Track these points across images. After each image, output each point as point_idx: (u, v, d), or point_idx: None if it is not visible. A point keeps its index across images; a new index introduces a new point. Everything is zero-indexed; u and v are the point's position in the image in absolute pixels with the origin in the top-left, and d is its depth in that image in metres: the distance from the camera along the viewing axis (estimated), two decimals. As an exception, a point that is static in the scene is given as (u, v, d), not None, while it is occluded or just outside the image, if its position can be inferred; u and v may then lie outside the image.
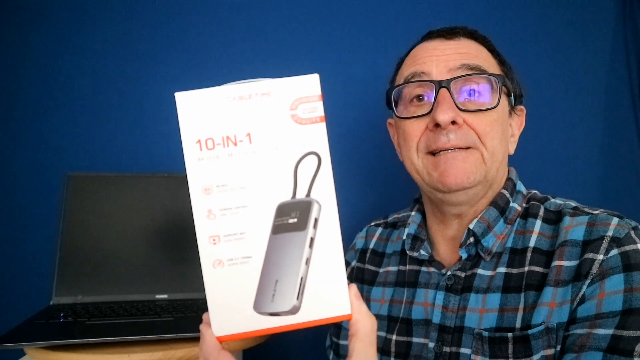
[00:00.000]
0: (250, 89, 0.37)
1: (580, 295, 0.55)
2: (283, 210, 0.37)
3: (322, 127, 0.37)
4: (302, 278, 0.37)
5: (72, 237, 0.89)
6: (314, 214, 0.37)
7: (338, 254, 0.37)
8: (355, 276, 0.79)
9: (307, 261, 0.37)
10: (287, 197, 0.37)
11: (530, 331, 0.57)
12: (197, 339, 0.70)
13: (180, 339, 0.70)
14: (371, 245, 0.79)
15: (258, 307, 0.37)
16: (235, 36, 1.04)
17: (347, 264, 0.80)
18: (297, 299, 0.36)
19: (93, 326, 0.74)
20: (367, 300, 0.75)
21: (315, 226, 0.37)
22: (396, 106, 0.69)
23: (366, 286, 0.76)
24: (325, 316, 0.37)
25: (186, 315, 0.78)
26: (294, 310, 0.36)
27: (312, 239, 0.37)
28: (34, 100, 1.00)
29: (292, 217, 0.37)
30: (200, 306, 0.83)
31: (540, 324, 0.57)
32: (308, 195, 0.37)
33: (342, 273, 0.37)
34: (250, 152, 0.37)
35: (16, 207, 0.98)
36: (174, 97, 0.36)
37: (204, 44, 1.03)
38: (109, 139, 1.01)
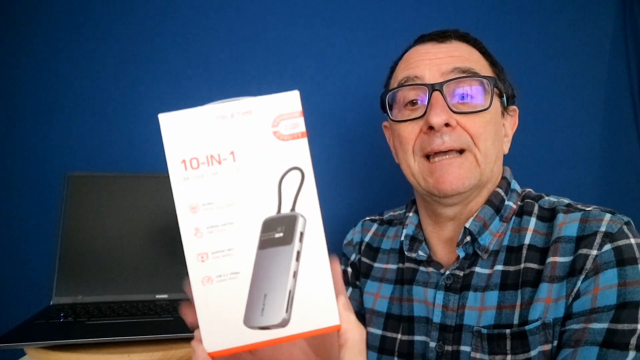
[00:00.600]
0: (232, 108, 0.37)
1: (575, 290, 0.56)
2: (269, 226, 0.37)
3: (304, 142, 0.37)
4: (290, 291, 0.37)
5: (72, 237, 0.89)
6: (299, 228, 0.37)
7: (324, 265, 0.37)
8: (357, 270, 0.79)
9: (295, 274, 0.37)
10: (272, 212, 0.37)
11: (527, 327, 0.58)
12: (197, 339, 0.71)
13: (180, 339, 0.71)
14: (366, 239, 0.80)
15: (248, 321, 0.37)
16: (232, 38, 1.04)
17: (346, 259, 0.81)
18: (287, 311, 0.37)
19: (93, 326, 0.74)
20: (361, 292, 0.76)
21: (301, 240, 0.37)
22: (390, 110, 0.70)
23: (362, 279, 0.77)
24: (315, 328, 0.37)
25: (186, 315, 0.78)
26: (284, 323, 0.37)
27: (298, 252, 0.37)
28: (34, 100, 1.00)
29: (278, 232, 0.37)
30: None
31: (537, 320, 0.58)
32: (293, 209, 0.37)
33: (330, 284, 0.38)
34: (234, 169, 0.37)
35: (16, 207, 0.98)
36: (158, 118, 0.37)
37: (203, 44, 1.03)
38: (109, 139, 1.01)
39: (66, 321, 0.76)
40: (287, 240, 0.37)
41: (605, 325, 0.53)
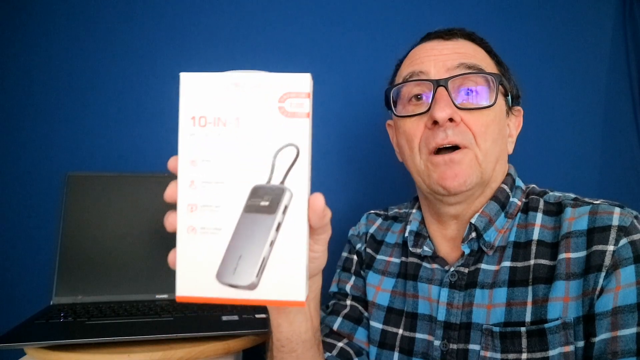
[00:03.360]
0: (246, 79, 0.40)
1: (598, 289, 0.56)
2: (257, 193, 0.39)
3: (306, 122, 0.39)
4: (264, 258, 0.39)
5: (72, 237, 0.89)
6: (284, 201, 0.39)
7: (302, 242, 0.39)
8: (361, 258, 0.78)
9: (272, 243, 0.39)
10: (263, 181, 0.39)
11: (547, 325, 0.58)
12: (197, 339, 0.71)
13: (180, 339, 0.71)
14: (371, 231, 0.80)
15: (220, 276, 0.40)
16: (235, 36, 1.04)
17: (352, 247, 0.80)
18: (257, 276, 0.39)
19: (93, 326, 0.74)
20: (364, 282, 0.76)
21: (284, 212, 0.39)
22: (395, 105, 0.69)
23: (365, 269, 0.77)
24: (280, 298, 0.40)
25: (186, 315, 0.78)
26: (252, 287, 0.39)
27: (279, 224, 0.39)
28: (34, 100, 1.00)
29: (264, 200, 0.39)
30: (200, 306, 0.83)
31: (557, 319, 0.57)
32: (282, 182, 0.39)
33: (304, 260, 0.39)
34: (236, 135, 0.40)
35: (16, 207, 0.98)
36: (179, 76, 0.41)
37: (203, 44, 1.03)
38: (109, 139, 1.01)
39: (66, 321, 0.76)
40: (271, 209, 0.39)
41: (634, 330, 0.53)
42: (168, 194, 0.41)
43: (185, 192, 0.40)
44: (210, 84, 0.40)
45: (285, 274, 0.39)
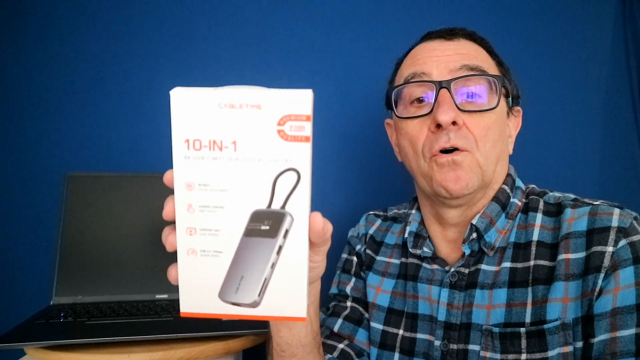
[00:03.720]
0: (242, 98, 0.37)
1: (597, 290, 0.56)
2: (257, 217, 0.39)
3: (307, 146, 0.37)
4: (266, 279, 0.39)
5: (72, 237, 0.89)
6: (285, 225, 0.39)
7: (303, 262, 0.39)
8: (361, 260, 0.78)
9: (273, 265, 0.39)
10: (263, 205, 0.39)
11: (546, 326, 0.58)
12: (197, 339, 0.71)
13: (180, 339, 0.71)
14: (370, 232, 0.80)
15: (222, 295, 0.40)
16: (234, 37, 1.04)
17: (352, 248, 0.80)
18: (259, 295, 0.40)
19: (93, 326, 0.74)
20: (364, 283, 0.76)
21: (285, 236, 0.39)
22: (396, 106, 0.69)
23: (365, 270, 0.77)
24: (282, 315, 0.40)
25: (186, 315, 0.78)
26: (254, 305, 0.40)
27: (280, 247, 0.39)
28: (34, 100, 1.00)
29: (264, 225, 0.39)
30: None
31: (556, 320, 0.57)
32: (283, 207, 0.39)
33: (304, 280, 0.39)
34: (233, 158, 0.38)
35: (16, 207, 0.98)
36: (170, 94, 0.38)
37: (203, 44, 1.03)
38: (109, 139, 1.01)
39: (66, 321, 0.76)
40: (272, 234, 0.39)
41: (632, 331, 0.53)
42: (166, 213, 0.40)
43: (183, 216, 0.39)
44: (203, 103, 0.37)
45: (287, 292, 0.40)
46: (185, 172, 0.38)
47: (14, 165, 0.99)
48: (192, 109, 0.37)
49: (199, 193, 0.39)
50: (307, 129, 0.37)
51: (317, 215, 0.39)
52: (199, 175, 0.38)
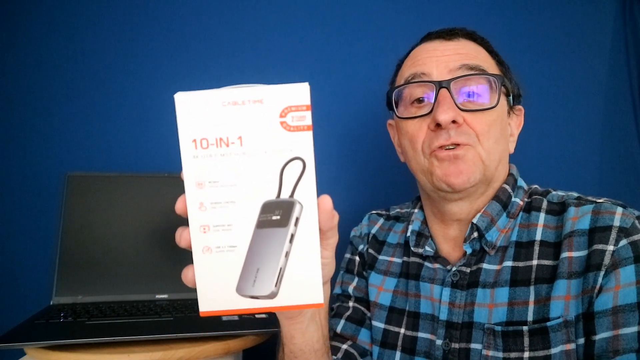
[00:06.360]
0: (244, 95, 0.39)
1: (597, 287, 0.56)
2: (268, 208, 0.40)
3: (309, 135, 0.40)
4: (281, 268, 0.41)
5: (72, 237, 0.89)
6: (295, 213, 0.40)
7: (315, 249, 0.41)
8: (364, 259, 0.78)
9: (287, 254, 0.41)
10: (272, 196, 0.40)
11: (549, 323, 0.58)
12: (197, 339, 0.71)
13: (180, 339, 0.71)
14: (373, 231, 0.80)
15: (240, 289, 0.41)
16: (234, 37, 1.04)
17: (354, 248, 0.81)
18: (276, 286, 0.41)
19: (93, 326, 0.74)
20: (367, 283, 0.76)
21: (296, 224, 0.40)
22: (397, 107, 0.69)
23: (368, 270, 0.77)
24: (300, 303, 0.41)
25: (186, 315, 0.78)
26: (272, 296, 0.41)
27: (292, 235, 0.40)
28: (34, 100, 1.00)
29: (275, 215, 0.40)
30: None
31: (559, 317, 0.58)
32: (292, 196, 0.40)
33: (318, 266, 0.41)
34: (240, 153, 0.40)
35: (16, 207, 0.98)
36: (174, 98, 0.39)
37: (203, 44, 1.03)
38: (109, 139, 1.01)
39: (66, 321, 0.76)
40: (284, 223, 0.40)
41: (635, 328, 0.53)
42: (178, 208, 0.41)
43: (195, 214, 0.40)
44: (207, 103, 0.39)
45: (302, 279, 0.41)
46: (195, 171, 0.40)
47: (14, 165, 0.99)
48: (197, 110, 0.39)
49: (210, 190, 0.40)
50: (308, 118, 0.39)
51: (327, 197, 0.41)
52: (209, 173, 0.40)
